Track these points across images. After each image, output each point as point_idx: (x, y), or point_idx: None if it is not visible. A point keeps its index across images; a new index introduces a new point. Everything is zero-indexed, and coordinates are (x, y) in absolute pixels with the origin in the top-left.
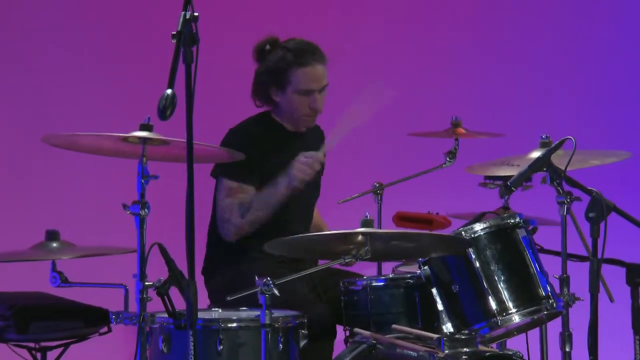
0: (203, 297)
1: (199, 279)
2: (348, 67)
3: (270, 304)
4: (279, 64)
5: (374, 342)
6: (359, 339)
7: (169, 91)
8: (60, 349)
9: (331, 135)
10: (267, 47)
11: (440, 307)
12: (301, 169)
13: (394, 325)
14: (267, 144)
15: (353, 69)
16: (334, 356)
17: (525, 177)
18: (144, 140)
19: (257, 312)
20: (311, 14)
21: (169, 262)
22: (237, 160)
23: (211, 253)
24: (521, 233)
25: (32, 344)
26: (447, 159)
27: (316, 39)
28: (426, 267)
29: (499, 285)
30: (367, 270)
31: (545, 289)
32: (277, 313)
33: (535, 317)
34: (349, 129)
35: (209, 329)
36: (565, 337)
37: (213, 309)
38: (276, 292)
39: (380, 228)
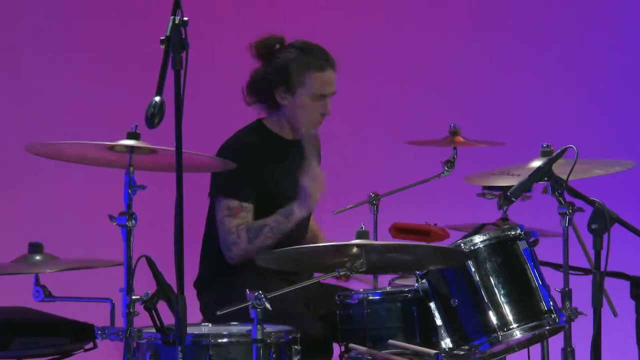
0: (193, 311)
1: (188, 293)
2: (346, 74)
3: (262, 318)
4: (294, 65)
5: (370, 357)
6: (354, 355)
7: (157, 98)
8: None
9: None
10: (277, 46)
11: (438, 321)
12: (311, 188)
13: (390, 341)
14: (265, 155)
15: (351, 75)
16: None
17: (525, 187)
18: (131, 149)
19: (249, 327)
20: (307, 19)
21: (157, 275)
22: (230, 173)
23: (204, 266)
24: (522, 245)
25: None
26: (445, 168)
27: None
28: (424, 281)
29: (500, 299)
30: (362, 283)
31: (547, 303)
32: (269, 328)
33: (537, 332)
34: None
35: (198, 344)
36: (568, 353)
37: (203, 324)
38: (268, 306)
39: (376, 240)
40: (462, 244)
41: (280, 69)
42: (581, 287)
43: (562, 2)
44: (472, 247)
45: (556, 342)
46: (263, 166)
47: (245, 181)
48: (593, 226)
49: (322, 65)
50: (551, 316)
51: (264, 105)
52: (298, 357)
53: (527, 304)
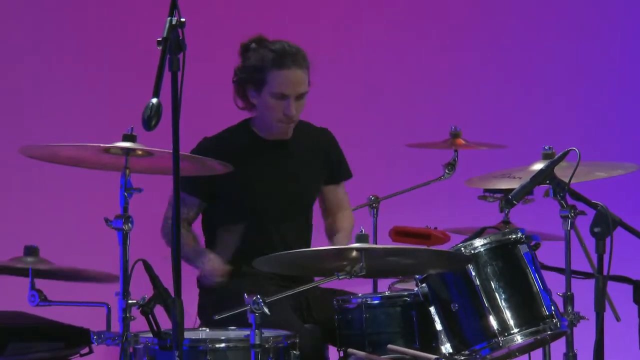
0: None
1: (186, 297)
2: (345, 75)
3: (261, 323)
4: (258, 63)
5: None
6: None
7: (154, 100)
8: None
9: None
10: (253, 45)
11: (438, 326)
12: (209, 274)
13: (389, 346)
14: (241, 156)
15: (351, 76)
16: None
17: (527, 190)
18: (127, 151)
19: (247, 332)
20: (306, 23)
21: (154, 279)
22: (226, 171)
23: None
24: (523, 249)
25: None
26: (446, 171)
27: (311, 48)
28: (424, 285)
29: (500, 304)
30: (362, 287)
31: (548, 308)
32: (267, 333)
33: (539, 337)
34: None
35: (196, 349)
36: (570, 358)
37: (201, 329)
38: (266, 310)
39: (376, 243)
40: (462, 248)
41: (248, 68)
42: (583, 291)
43: (562, 3)
44: (472, 251)
45: (558, 347)
46: (237, 166)
47: (203, 178)
48: (595, 229)
49: (283, 63)
50: (552, 321)
51: (247, 107)
52: None
53: (528, 309)
